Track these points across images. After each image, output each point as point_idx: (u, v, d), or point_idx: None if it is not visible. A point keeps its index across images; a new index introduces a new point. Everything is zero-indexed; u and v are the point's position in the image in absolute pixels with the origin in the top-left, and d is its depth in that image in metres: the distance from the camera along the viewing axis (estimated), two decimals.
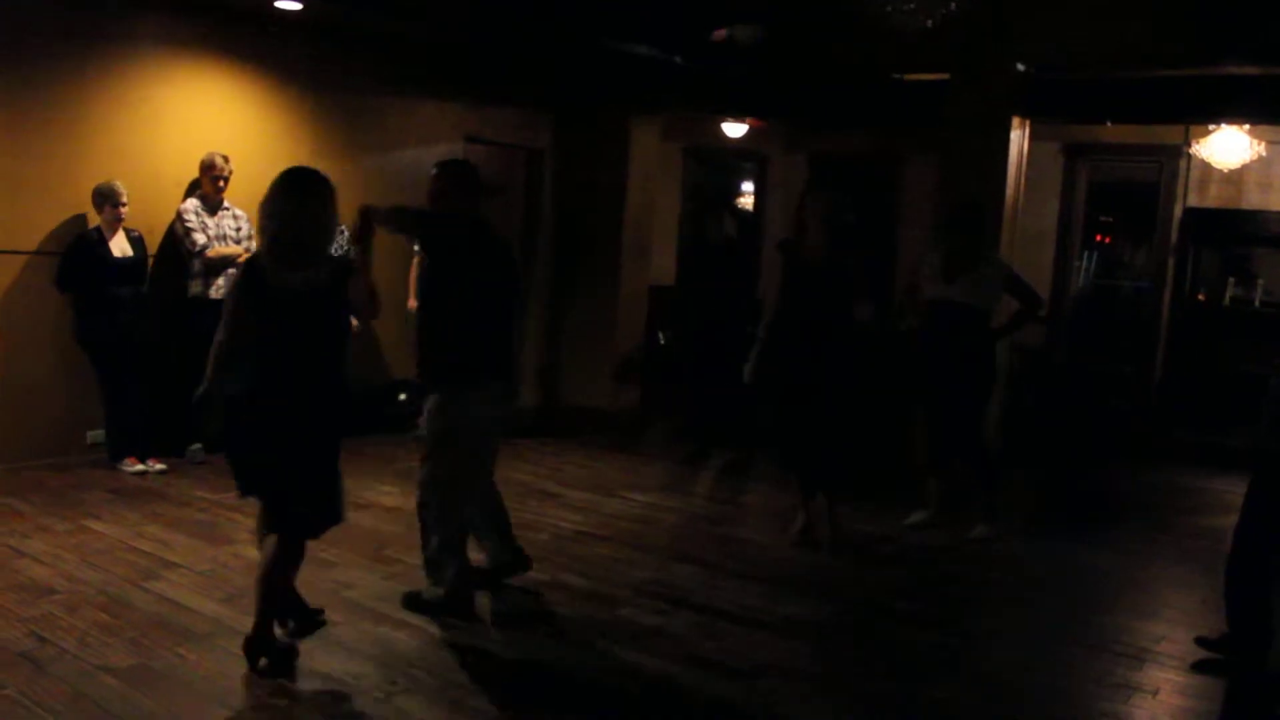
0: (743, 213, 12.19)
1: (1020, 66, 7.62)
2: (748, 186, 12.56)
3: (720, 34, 8.00)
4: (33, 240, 6.74)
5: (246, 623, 4.45)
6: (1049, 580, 5.93)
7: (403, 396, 8.63)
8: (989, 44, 7.61)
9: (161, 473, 6.74)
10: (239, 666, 4.07)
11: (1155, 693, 4.41)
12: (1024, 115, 8.01)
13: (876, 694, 4.30)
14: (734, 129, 10.96)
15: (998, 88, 7.68)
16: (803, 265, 5.92)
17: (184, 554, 5.35)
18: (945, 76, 7.91)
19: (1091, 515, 7.44)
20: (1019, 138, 7.99)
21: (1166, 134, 9.81)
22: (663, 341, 10.29)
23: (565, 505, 6.74)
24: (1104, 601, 5.57)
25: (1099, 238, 11.20)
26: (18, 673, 3.93)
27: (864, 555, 6.16)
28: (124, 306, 6.66)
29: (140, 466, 6.75)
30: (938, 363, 6.37)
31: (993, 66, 7.63)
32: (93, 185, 6.68)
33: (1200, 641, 4.79)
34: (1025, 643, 4.92)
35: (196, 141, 7.21)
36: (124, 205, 6.65)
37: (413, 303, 8.17)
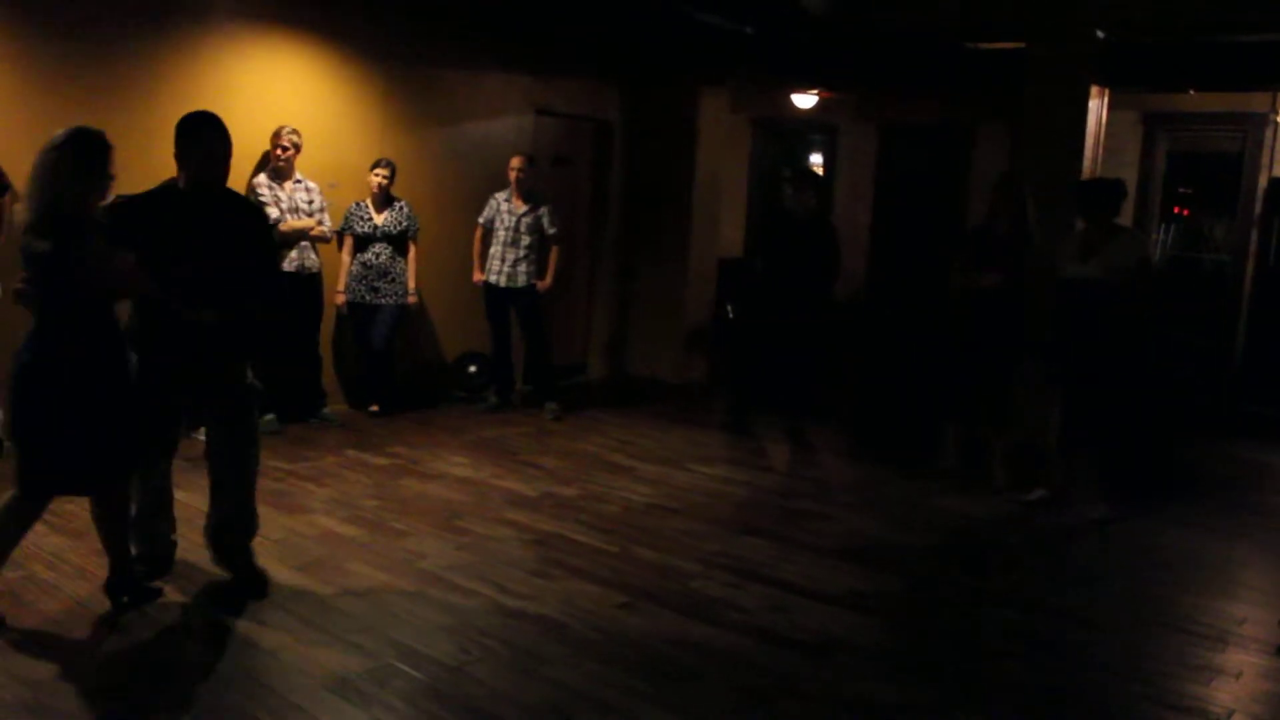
0: (815, 177, 12.00)
1: (1100, 33, 7.43)
2: (816, 158, 12.41)
3: None
4: None
5: (323, 590, 4.52)
6: (1128, 557, 5.81)
7: (472, 369, 8.70)
8: (1067, 10, 7.43)
9: None
10: (313, 633, 4.13)
11: (1238, 675, 4.30)
12: (1103, 84, 7.81)
13: (946, 671, 4.25)
14: (803, 100, 10.83)
15: (1076, 55, 7.48)
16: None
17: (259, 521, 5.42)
18: (1020, 45, 7.73)
19: (1172, 491, 7.28)
20: (1097, 107, 7.80)
21: (1252, 101, 9.53)
22: (730, 314, 10.23)
23: (635, 478, 6.74)
24: (1185, 580, 5.45)
25: (1177, 210, 10.93)
26: (98, 635, 4.03)
27: (937, 530, 6.09)
28: None
29: None
30: (1081, 344, 6.28)
31: (1071, 33, 7.44)
32: (168, 160, 6.78)
33: None
34: (1103, 621, 4.82)
35: (269, 115, 7.26)
36: None
37: (479, 275, 8.20)
